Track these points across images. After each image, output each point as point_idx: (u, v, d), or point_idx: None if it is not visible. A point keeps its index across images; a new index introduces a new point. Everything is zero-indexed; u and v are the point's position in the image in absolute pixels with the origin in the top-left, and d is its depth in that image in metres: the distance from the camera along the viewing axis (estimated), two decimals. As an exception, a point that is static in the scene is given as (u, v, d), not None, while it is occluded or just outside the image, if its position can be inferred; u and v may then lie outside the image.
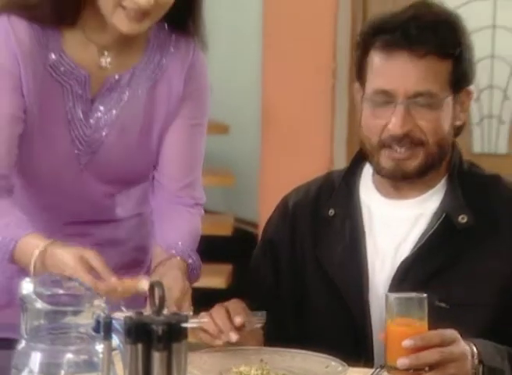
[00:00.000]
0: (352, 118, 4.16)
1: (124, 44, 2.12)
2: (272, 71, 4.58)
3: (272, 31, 4.54)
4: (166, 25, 2.16)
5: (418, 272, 1.94)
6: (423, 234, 1.97)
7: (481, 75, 4.36)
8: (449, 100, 1.95)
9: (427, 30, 1.90)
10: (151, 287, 1.52)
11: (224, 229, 4.71)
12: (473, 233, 1.94)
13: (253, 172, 4.76)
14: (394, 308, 1.67)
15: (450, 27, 1.95)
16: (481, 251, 1.94)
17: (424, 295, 1.66)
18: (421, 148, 1.93)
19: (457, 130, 2.02)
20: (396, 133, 1.89)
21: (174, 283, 2.01)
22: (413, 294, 1.69)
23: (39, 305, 1.56)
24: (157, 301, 1.48)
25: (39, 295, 1.58)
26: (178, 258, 2.11)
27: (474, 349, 1.71)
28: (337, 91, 4.35)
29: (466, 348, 1.69)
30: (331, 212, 2.05)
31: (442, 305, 1.89)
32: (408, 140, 1.91)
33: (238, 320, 1.83)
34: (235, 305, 1.92)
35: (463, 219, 1.94)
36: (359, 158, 2.08)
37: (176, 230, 2.19)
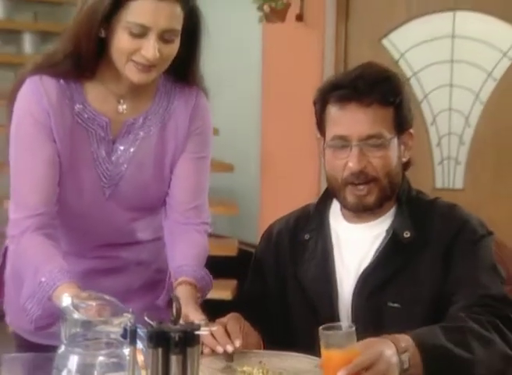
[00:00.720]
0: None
1: (137, 92, 2.12)
2: (269, 121, 4.58)
3: (269, 90, 4.55)
4: (171, 76, 2.16)
5: (375, 279, 1.95)
6: (377, 249, 1.98)
7: (442, 124, 4.36)
8: (395, 141, 1.97)
9: (372, 84, 1.93)
10: (170, 301, 1.51)
11: (230, 250, 4.70)
12: (415, 246, 1.96)
13: (253, 203, 4.74)
14: (328, 341, 1.62)
15: (391, 81, 1.98)
16: (422, 259, 1.94)
17: (353, 328, 1.62)
18: (374, 184, 1.95)
19: (405, 166, 2.05)
20: (354, 169, 1.92)
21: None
22: (343, 328, 1.64)
23: (76, 316, 1.56)
24: (174, 313, 1.47)
25: (76, 308, 1.57)
26: (188, 280, 2.08)
27: (402, 344, 1.68)
28: (323, 138, 4.34)
29: (389, 358, 1.64)
30: (306, 236, 2.07)
31: (395, 305, 1.91)
32: (363, 176, 1.94)
33: (237, 343, 1.83)
34: (233, 322, 1.91)
35: (406, 234, 1.96)
36: (328, 193, 2.10)
37: (184, 251, 2.16)
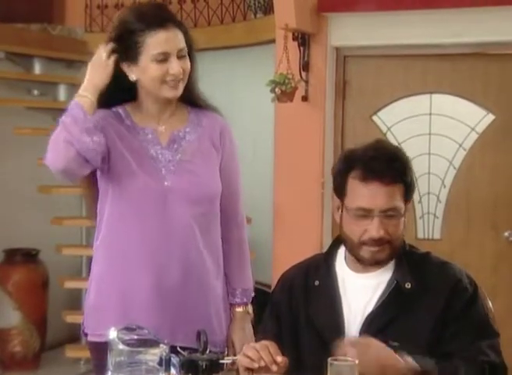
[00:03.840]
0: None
1: (170, 115, 2.20)
2: (280, 181, 4.58)
3: (280, 156, 4.56)
4: (192, 105, 2.25)
5: (379, 322, 1.92)
6: (381, 296, 1.95)
7: (422, 185, 4.35)
8: (404, 210, 1.96)
9: (389, 164, 1.92)
10: (198, 334, 1.49)
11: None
12: (414, 295, 1.93)
13: (268, 249, 4.71)
14: (334, 371, 1.61)
15: (403, 161, 1.97)
16: (420, 306, 1.92)
17: (356, 362, 1.62)
18: (387, 244, 1.94)
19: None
20: (375, 236, 1.90)
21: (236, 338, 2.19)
22: (347, 361, 1.63)
23: (121, 346, 1.54)
24: (202, 345, 1.46)
25: (121, 340, 1.55)
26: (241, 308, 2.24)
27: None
28: (325, 197, 4.34)
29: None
30: (316, 282, 2.03)
31: (394, 344, 1.85)
32: (380, 241, 1.92)
33: (279, 359, 1.78)
34: (272, 343, 1.85)
35: (408, 285, 1.93)
36: (336, 244, 2.08)
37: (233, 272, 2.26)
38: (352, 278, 2.01)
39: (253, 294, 2.34)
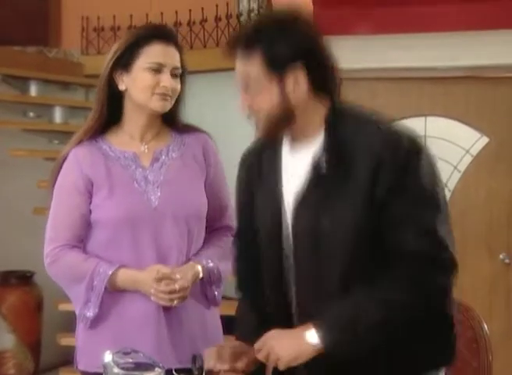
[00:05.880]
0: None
1: (153, 135, 2.20)
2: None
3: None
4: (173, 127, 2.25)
5: (307, 208, 1.73)
6: (305, 178, 1.74)
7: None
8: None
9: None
10: (194, 358, 1.48)
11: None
12: (336, 172, 1.70)
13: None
14: None
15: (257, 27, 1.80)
16: (344, 185, 1.68)
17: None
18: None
19: None
20: None
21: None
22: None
23: (116, 370, 1.53)
24: (197, 370, 1.45)
25: (116, 363, 1.54)
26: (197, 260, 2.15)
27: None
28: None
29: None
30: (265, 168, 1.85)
31: (328, 223, 1.68)
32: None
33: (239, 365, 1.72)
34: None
35: (324, 163, 1.71)
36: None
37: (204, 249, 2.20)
38: (290, 159, 1.82)
39: (220, 288, 2.25)
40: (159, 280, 2.03)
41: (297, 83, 1.72)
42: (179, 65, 2.17)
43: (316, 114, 1.77)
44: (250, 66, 1.72)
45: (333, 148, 1.71)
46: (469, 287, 3.64)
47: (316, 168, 1.72)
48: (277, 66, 1.70)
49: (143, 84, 2.12)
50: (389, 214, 1.66)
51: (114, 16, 5.17)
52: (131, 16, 5.02)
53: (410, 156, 1.68)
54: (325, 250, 1.69)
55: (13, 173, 4.80)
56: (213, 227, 2.25)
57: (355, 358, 1.64)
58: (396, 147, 1.68)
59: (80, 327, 2.21)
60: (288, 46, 1.70)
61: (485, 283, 4.21)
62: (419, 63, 4.24)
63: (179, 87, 2.17)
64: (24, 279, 4.71)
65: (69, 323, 4.92)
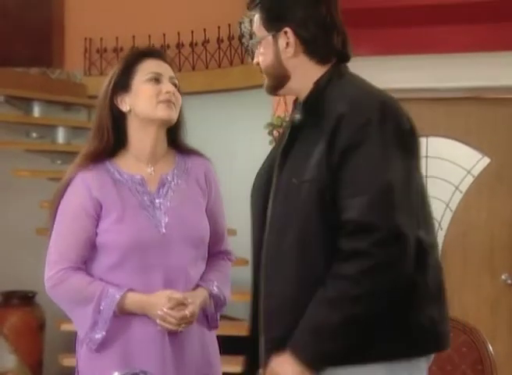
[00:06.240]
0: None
1: (159, 158, 2.20)
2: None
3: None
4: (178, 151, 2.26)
5: (280, 159, 1.78)
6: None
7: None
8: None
9: None
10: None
11: (243, 331, 4.62)
12: (305, 128, 1.75)
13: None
14: None
15: None
16: (308, 141, 1.72)
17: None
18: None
19: None
20: None
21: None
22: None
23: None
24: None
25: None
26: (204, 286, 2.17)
27: None
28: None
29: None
30: None
31: (294, 181, 1.69)
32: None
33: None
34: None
35: (297, 117, 1.77)
36: None
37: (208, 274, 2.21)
38: None
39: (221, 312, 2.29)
40: (173, 307, 2.03)
41: (289, 44, 1.79)
42: (174, 76, 2.22)
43: (308, 77, 1.79)
44: (255, 24, 1.83)
45: (310, 105, 1.75)
46: (472, 308, 3.63)
47: (292, 123, 1.79)
48: (271, 26, 1.80)
49: (146, 95, 2.15)
50: (340, 177, 1.64)
51: (116, 38, 5.21)
52: (133, 37, 5.05)
53: (369, 121, 1.63)
54: (291, 203, 1.69)
55: (16, 193, 4.81)
56: (211, 252, 2.25)
57: (347, 350, 1.60)
58: (359, 109, 1.65)
59: (83, 350, 2.20)
60: (281, 8, 1.79)
61: (488, 303, 4.20)
62: (420, 84, 4.26)
63: (180, 96, 2.20)
64: (26, 299, 4.71)
65: (71, 343, 4.88)
